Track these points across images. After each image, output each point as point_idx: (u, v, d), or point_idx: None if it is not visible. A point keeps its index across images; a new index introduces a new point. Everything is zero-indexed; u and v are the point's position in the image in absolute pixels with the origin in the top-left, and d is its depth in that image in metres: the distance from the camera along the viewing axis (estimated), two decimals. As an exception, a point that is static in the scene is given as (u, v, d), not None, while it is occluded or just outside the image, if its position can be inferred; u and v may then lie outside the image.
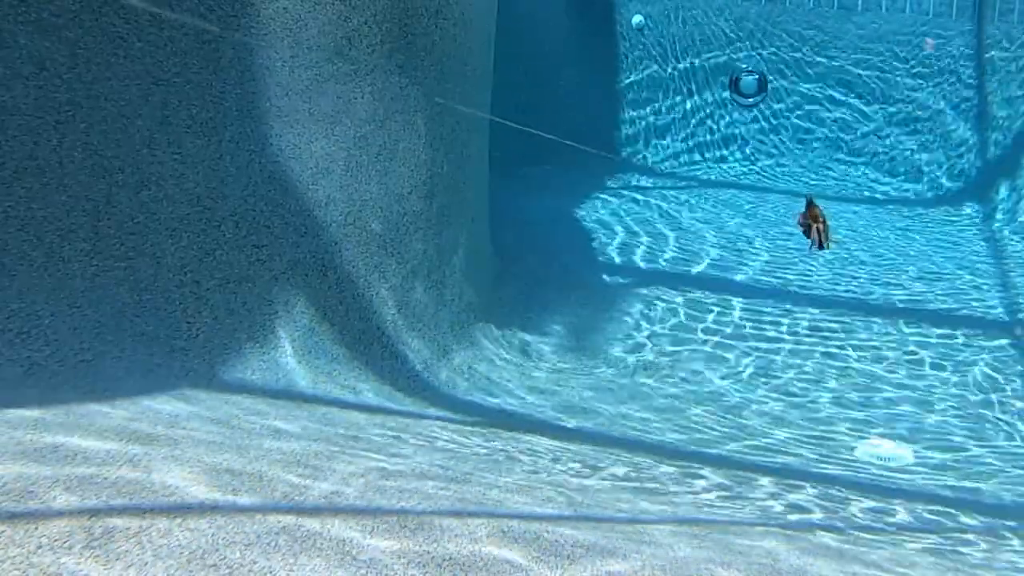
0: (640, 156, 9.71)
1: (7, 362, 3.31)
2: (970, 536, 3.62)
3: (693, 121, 9.84)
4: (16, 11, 3.57)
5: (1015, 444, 4.87)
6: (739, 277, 6.87)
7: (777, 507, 3.61)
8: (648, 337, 5.88)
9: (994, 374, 5.63)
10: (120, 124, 3.81)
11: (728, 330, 6.02)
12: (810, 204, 4.25)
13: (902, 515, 3.78)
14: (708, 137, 9.83)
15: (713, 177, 9.44)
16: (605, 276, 6.78)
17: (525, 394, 4.89)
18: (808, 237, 4.22)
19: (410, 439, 3.69)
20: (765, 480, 3.96)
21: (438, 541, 2.41)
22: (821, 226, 4.12)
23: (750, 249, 7.44)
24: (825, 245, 4.19)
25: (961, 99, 9.37)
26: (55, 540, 2.09)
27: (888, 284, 6.93)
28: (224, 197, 4.10)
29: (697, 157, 9.76)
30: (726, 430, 4.79)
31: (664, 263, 7.10)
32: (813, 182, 9.41)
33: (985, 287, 6.99)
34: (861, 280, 6.97)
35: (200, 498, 2.46)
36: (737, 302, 6.40)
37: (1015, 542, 3.60)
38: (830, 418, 5.07)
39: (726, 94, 9.78)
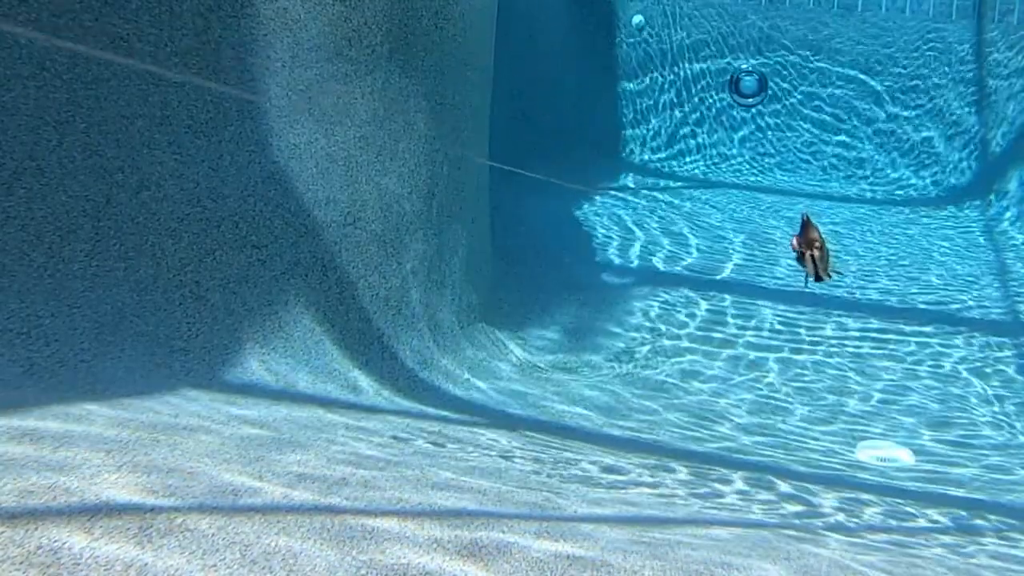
0: (640, 157, 9.71)
1: (7, 362, 3.31)
2: (971, 536, 3.62)
3: (693, 121, 9.84)
4: (16, 11, 3.57)
5: (1014, 444, 4.87)
6: (739, 278, 6.87)
7: (775, 508, 3.61)
8: (648, 338, 5.88)
9: (993, 373, 5.63)
10: (120, 124, 3.81)
11: (728, 330, 6.03)
12: (806, 226, 3.36)
13: (901, 515, 3.78)
14: (708, 138, 9.83)
15: (714, 178, 9.44)
16: (605, 277, 6.78)
17: (525, 394, 4.89)
18: (802, 266, 3.35)
19: (409, 439, 3.69)
20: (764, 480, 3.96)
21: (438, 540, 2.41)
22: (818, 253, 3.28)
23: (751, 249, 7.43)
24: (823, 276, 3.33)
25: (962, 99, 9.37)
26: (55, 540, 2.09)
27: (888, 283, 6.93)
28: (224, 197, 4.10)
29: (697, 158, 9.76)
30: (725, 429, 4.79)
31: (664, 264, 7.10)
32: (814, 182, 9.41)
33: (985, 286, 6.99)
34: (860, 279, 6.97)
35: (199, 498, 2.46)
36: (737, 302, 6.40)
37: (1016, 542, 3.60)
38: (829, 418, 5.07)
39: (726, 95, 9.79)
